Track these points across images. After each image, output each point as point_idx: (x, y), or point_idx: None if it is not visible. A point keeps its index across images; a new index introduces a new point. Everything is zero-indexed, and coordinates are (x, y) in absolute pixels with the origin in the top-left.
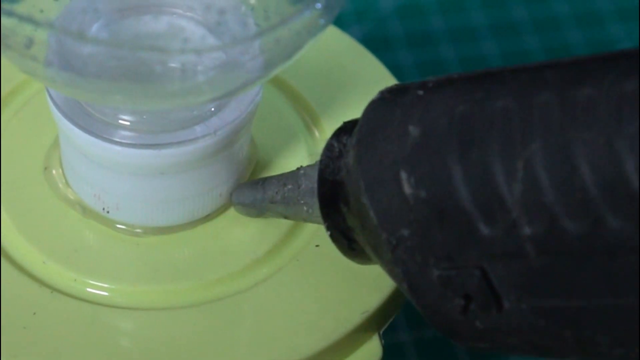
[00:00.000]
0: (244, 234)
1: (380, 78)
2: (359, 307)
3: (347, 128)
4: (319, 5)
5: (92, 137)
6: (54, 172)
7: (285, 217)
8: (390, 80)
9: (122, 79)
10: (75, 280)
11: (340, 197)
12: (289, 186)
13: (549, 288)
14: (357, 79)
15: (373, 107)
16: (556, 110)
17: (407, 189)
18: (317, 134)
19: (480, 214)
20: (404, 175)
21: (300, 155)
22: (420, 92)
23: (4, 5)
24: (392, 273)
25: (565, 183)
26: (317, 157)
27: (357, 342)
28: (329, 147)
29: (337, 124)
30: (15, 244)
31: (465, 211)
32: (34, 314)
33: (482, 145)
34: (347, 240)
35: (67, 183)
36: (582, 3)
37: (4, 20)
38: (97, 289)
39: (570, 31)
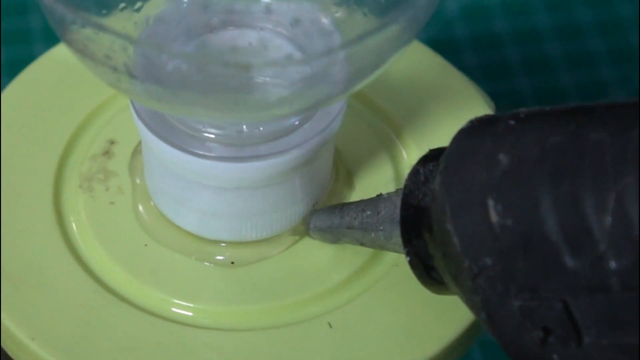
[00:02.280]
0: (328, 255)
1: (463, 90)
2: (437, 335)
3: (433, 155)
4: (404, 19)
5: (175, 150)
6: (139, 186)
7: (362, 244)
8: (472, 92)
9: (207, 93)
10: (160, 300)
11: (424, 223)
12: (368, 212)
13: (632, 325)
14: (439, 92)
15: (462, 135)
16: None
17: (493, 217)
18: (400, 146)
19: (567, 245)
20: (491, 203)
21: (385, 168)
22: (512, 122)
23: (91, 19)
24: (470, 302)
25: None
26: (401, 170)
27: None
28: (414, 173)
29: (421, 137)
30: (100, 262)
31: (551, 242)
32: (120, 332)
33: (573, 176)
34: (426, 268)
35: (150, 195)
36: None
37: (90, 33)
38: (182, 309)
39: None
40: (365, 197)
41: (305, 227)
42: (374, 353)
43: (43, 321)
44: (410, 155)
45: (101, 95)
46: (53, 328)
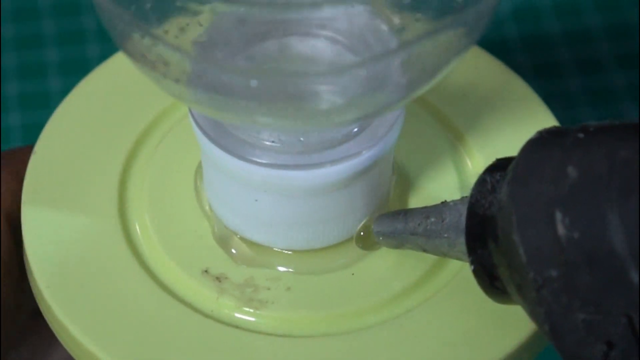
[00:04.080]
0: (390, 264)
1: (523, 96)
2: (498, 345)
3: (501, 164)
4: (460, 23)
5: (234, 158)
6: (202, 193)
7: (424, 251)
8: (532, 97)
9: (265, 101)
10: (224, 305)
11: (489, 233)
12: (432, 219)
13: None
14: (499, 96)
15: (531, 146)
16: None
17: (560, 230)
18: (463, 153)
19: (633, 261)
20: (558, 216)
21: (448, 175)
22: (581, 135)
23: (148, 28)
24: (533, 313)
25: None
26: (465, 178)
27: None
28: (481, 182)
29: (483, 143)
30: (164, 267)
31: (617, 256)
32: (184, 337)
33: None
34: (490, 277)
35: (210, 204)
36: None
37: (147, 43)
38: (245, 315)
39: None
40: (426, 204)
41: (359, 234)
42: None
43: (105, 324)
44: (474, 161)
45: (168, 99)
46: (114, 331)
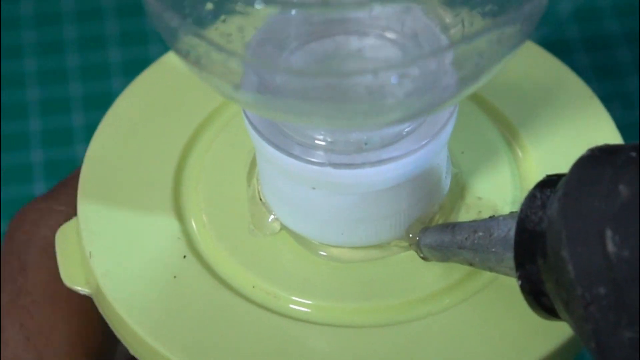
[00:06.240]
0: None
1: (579, 94)
2: (540, 347)
3: (551, 181)
4: (516, 21)
5: (288, 157)
6: (255, 190)
7: (471, 265)
8: (587, 93)
9: (316, 101)
10: (277, 296)
11: (538, 249)
12: (480, 233)
13: None
14: (555, 94)
15: (582, 163)
16: None
17: (610, 247)
18: (518, 151)
19: None
20: (609, 233)
21: (503, 173)
22: (633, 154)
23: (199, 30)
24: (580, 330)
25: None
26: (519, 176)
27: None
28: (531, 198)
29: (538, 140)
30: (219, 260)
31: None
32: (239, 328)
33: None
34: (537, 293)
35: (264, 200)
36: None
37: (198, 44)
38: (299, 306)
39: None
40: (479, 205)
41: (411, 242)
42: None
43: (163, 319)
44: (528, 158)
45: (220, 98)
46: (173, 326)
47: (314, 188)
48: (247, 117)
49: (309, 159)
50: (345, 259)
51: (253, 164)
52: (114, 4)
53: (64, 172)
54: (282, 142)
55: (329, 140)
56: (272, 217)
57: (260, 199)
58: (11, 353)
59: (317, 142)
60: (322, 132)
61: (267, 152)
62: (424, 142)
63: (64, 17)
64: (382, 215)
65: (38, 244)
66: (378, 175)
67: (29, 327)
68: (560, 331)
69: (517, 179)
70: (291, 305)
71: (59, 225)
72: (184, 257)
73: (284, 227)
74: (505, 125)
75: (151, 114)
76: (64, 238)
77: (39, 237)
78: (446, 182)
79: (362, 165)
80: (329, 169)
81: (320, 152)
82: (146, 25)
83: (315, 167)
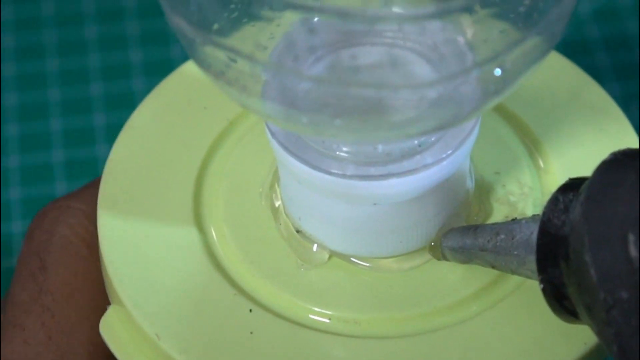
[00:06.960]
0: (459, 269)
1: (601, 103)
2: (566, 353)
3: (574, 184)
4: (536, 36)
5: (308, 168)
6: (273, 198)
7: (493, 267)
8: (610, 105)
9: (339, 114)
10: (298, 307)
11: (560, 252)
12: (502, 236)
13: None
14: (575, 102)
15: (605, 167)
16: None
17: (633, 252)
18: (540, 161)
19: None
20: (631, 238)
21: (524, 183)
22: None
23: (219, 40)
24: (602, 334)
25: None
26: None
27: None
28: (553, 201)
29: (561, 151)
30: (239, 269)
31: None
32: (258, 339)
33: None
34: (559, 297)
35: (285, 210)
36: None
37: (218, 54)
38: (319, 316)
39: None
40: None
41: (434, 247)
42: None
43: (181, 327)
44: (549, 167)
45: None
46: (190, 333)
47: (340, 200)
48: (267, 125)
49: (329, 169)
50: (385, 269)
51: (276, 171)
52: (135, 4)
53: (85, 172)
54: (302, 152)
55: (351, 151)
56: (315, 246)
57: (297, 231)
58: (33, 352)
59: (338, 153)
60: (344, 144)
61: (287, 162)
62: (446, 154)
63: (85, 18)
64: (402, 227)
65: (58, 242)
66: (400, 186)
67: (50, 326)
68: (587, 336)
69: (537, 187)
70: (311, 316)
71: (79, 223)
72: (204, 266)
73: (306, 237)
74: (527, 133)
75: (171, 123)
76: (109, 329)
77: (58, 236)
78: (470, 192)
79: (382, 177)
80: (349, 181)
81: (341, 164)
82: (167, 26)
83: (338, 179)
